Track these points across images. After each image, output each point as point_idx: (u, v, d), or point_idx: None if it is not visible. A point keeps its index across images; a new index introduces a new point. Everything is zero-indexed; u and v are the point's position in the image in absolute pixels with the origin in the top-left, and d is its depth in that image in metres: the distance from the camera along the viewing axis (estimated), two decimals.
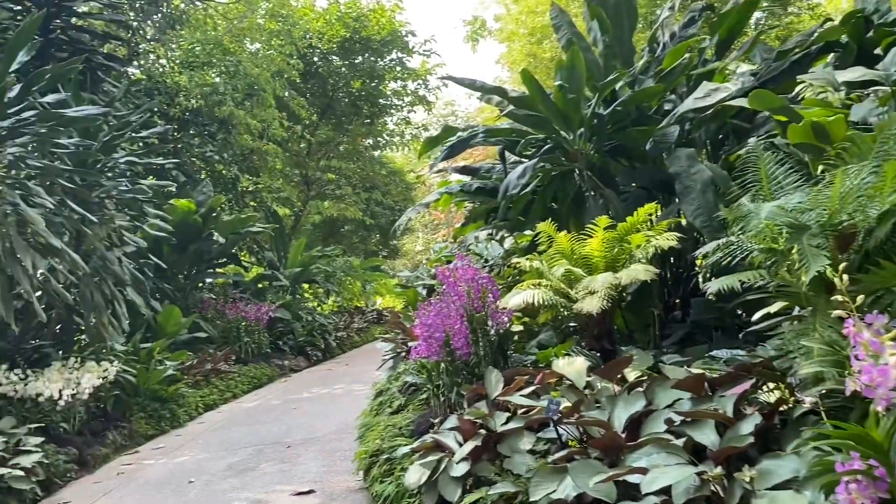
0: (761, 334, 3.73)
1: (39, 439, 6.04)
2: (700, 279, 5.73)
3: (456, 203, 8.12)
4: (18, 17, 9.55)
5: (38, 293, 7.23)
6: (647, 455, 2.98)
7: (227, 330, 13.01)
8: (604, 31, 6.31)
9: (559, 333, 6.17)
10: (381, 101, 23.07)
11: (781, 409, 3.07)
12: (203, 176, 15.55)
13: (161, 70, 14.88)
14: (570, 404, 3.65)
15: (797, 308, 3.29)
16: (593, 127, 5.59)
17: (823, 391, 2.75)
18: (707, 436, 2.93)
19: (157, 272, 11.47)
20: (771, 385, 3.25)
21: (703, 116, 5.35)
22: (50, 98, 7.52)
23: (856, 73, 4.24)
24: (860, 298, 2.43)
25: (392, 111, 24.01)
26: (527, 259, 4.86)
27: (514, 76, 22.94)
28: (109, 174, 8.34)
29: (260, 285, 16.36)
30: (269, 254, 17.83)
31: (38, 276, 7.11)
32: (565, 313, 4.72)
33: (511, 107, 6.14)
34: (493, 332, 5.02)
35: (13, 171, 7.16)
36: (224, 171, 16.18)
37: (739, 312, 5.18)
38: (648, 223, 5.04)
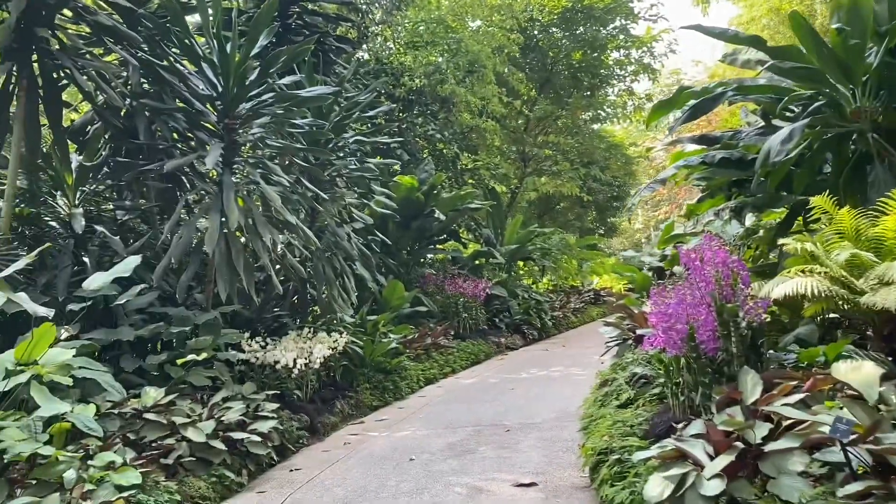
0: None
1: (275, 405, 6.37)
2: None
3: (687, 177, 7.30)
4: (261, 4, 10.25)
5: (277, 267, 7.67)
6: None
7: (445, 305, 13.20)
8: None
9: (820, 328, 5.21)
10: (602, 71, 22.08)
11: None
12: (425, 154, 15.90)
13: (388, 52, 15.37)
14: (858, 422, 2.91)
15: None
16: (881, 79, 4.53)
17: None
18: None
19: (383, 248, 11.89)
20: None
21: None
22: (286, 80, 7.89)
23: None
24: None
25: (613, 82, 22.91)
26: (795, 240, 4.03)
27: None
28: (340, 154, 8.65)
29: (477, 262, 16.46)
30: (486, 231, 17.89)
31: (278, 251, 7.54)
32: (845, 307, 3.85)
33: (756, 65, 5.24)
34: (743, 325, 4.28)
35: (256, 152, 7.63)
36: (445, 150, 16.44)
37: None
38: None
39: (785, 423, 3.27)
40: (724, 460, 3.12)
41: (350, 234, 8.87)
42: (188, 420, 5.45)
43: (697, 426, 3.73)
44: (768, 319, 5.54)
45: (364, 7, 13.77)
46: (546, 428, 6.76)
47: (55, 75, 6.91)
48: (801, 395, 3.41)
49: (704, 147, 6.64)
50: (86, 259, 7.12)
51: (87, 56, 6.90)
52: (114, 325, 6.50)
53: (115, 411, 5.35)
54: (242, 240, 7.21)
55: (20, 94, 6.63)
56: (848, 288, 3.70)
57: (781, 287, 3.70)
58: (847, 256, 3.73)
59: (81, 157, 7.62)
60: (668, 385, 4.53)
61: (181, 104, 7.34)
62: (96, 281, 5.66)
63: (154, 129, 7.49)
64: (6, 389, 4.51)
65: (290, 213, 7.33)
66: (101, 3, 7.13)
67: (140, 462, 4.82)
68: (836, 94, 4.68)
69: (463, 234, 17.76)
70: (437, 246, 15.68)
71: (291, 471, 5.92)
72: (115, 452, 4.70)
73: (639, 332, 6.99)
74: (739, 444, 3.20)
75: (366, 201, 9.62)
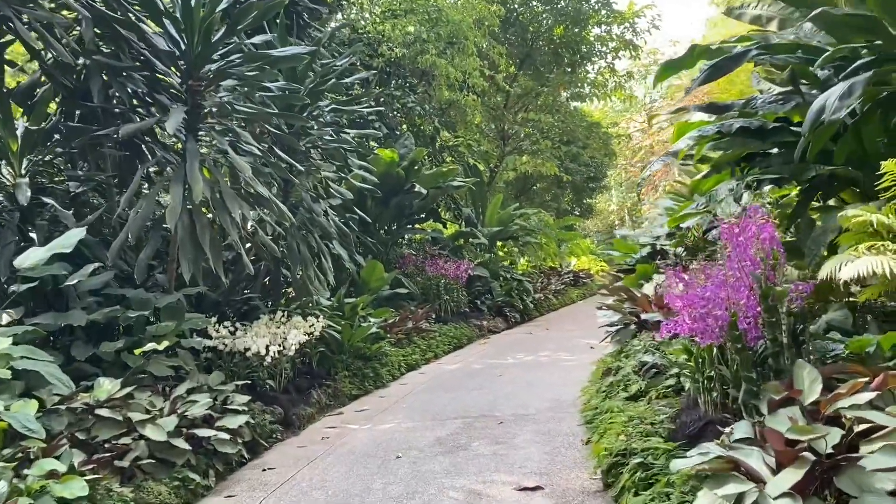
0: None
1: (246, 397, 5.74)
2: None
3: (689, 150, 6.77)
4: None
5: (247, 245, 7.02)
6: None
7: (426, 287, 12.63)
8: None
9: (852, 312, 4.73)
10: (583, 48, 21.47)
11: None
12: (404, 128, 15.23)
13: (364, 21, 14.62)
14: None
15: None
16: None
17: None
18: None
19: (361, 226, 11.23)
20: None
21: None
22: (256, 39, 7.19)
23: None
24: None
25: (594, 58, 22.33)
26: (863, 210, 3.47)
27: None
28: (315, 124, 7.97)
29: (457, 242, 15.90)
30: (467, 210, 17.32)
31: (249, 227, 6.89)
32: None
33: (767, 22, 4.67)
34: (783, 311, 3.77)
35: (224, 118, 6.92)
36: (423, 126, 15.77)
37: None
38: None
39: (857, 429, 2.76)
40: (794, 475, 2.58)
41: (327, 210, 8.21)
42: (147, 416, 4.81)
43: (743, 429, 3.20)
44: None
45: None
46: (542, 420, 6.24)
47: None
48: (872, 395, 2.89)
49: (716, 116, 6.11)
50: (33, 235, 6.39)
51: (32, 5, 6.10)
52: (64, 309, 5.80)
53: (63, 407, 4.69)
54: (209, 215, 6.53)
55: None
56: None
57: (851, 266, 3.17)
58: None
59: (28, 122, 6.85)
60: (696, 378, 4.00)
61: (140, 64, 6.61)
62: (31, 257, 4.95)
63: (110, 91, 6.75)
64: None
65: (262, 185, 6.67)
66: None
67: (90, 466, 4.18)
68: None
69: (443, 213, 17.17)
70: (417, 225, 15.07)
71: (264, 470, 5.32)
72: (60, 456, 4.05)
73: (644, 316, 6.48)
74: (808, 455, 2.67)
75: (343, 175, 8.95)
